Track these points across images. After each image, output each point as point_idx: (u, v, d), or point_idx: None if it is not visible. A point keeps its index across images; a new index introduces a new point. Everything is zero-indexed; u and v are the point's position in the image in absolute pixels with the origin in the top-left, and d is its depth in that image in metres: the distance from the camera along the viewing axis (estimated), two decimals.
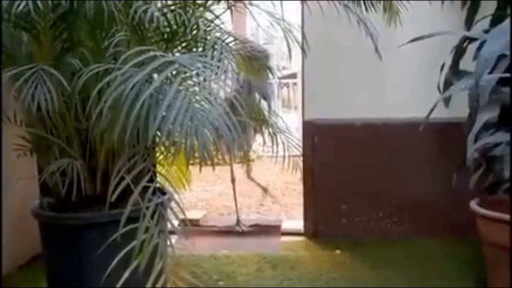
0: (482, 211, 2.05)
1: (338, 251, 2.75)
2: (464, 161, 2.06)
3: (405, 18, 2.37)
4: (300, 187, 3.09)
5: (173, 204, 1.58)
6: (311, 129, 3.02)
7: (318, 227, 3.05)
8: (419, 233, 2.92)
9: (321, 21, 2.51)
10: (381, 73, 2.83)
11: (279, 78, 7.70)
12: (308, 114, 3.04)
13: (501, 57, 2.04)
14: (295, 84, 7.32)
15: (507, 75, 2.06)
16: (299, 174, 3.04)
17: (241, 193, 4.81)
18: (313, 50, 2.85)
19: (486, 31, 2.35)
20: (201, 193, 4.64)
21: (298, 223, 3.15)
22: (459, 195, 2.20)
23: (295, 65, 5.91)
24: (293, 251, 2.85)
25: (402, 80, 2.89)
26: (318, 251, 2.86)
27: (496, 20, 2.41)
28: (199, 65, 1.47)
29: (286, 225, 3.31)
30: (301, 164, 2.98)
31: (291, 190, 4.45)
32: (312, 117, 3.01)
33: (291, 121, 5.22)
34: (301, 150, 2.99)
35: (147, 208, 1.42)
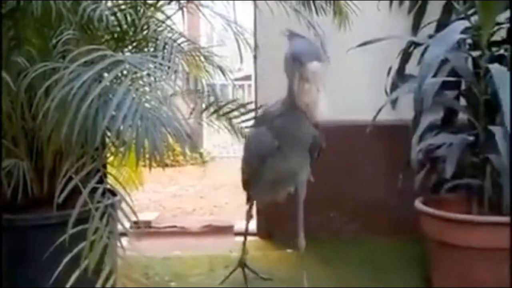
0: (426, 209, 2.13)
1: (290, 250, 2.80)
2: (409, 161, 2.14)
3: (355, 23, 2.45)
4: None
5: (125, 205, 1.57)
6: None
7: (271, 227, 3.08)
8: (369, 232, 3.00)
9: (273, 24, 2.55)
10: (331, 76, 2.88)
11: (234, 80, 7.74)
12: None
13: (444, 61, 2.13)
14: (250, 86, 7.37)
15: (450, 78, 2.15)
16: None
17: (195, 193, 4.83)
18: (266, 52, 2.90)
19: (431, 36, 2.45)
20: (153, 194, 4.60)
21: (251, 224, 3.17)
22: (405, 195, 2.27)
23: (251, 67, 5.96)
24: None
25: (351, 83, 2.96)
26: (271, 251, 2.89)
27: (441, 25, 2.51)
28: (150, 65, 1.47)
29: (239, 225, 3.32)
30: None
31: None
32: None
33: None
34: None
35: (96, 209, 1.41)
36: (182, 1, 1.99)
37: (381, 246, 2.87)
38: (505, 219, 1.89)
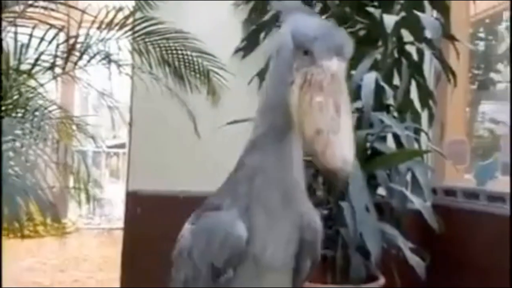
0: None
1: None
2: None
3: (229, 103, 2.63)
4: (119, 261, 3.03)
5: None
6: (134, 200, 3.03)
7: None
8: None
9: (150, 97, 2.64)
10: (204, 148, 3.01)
11: (109, 147, 7.60)
12: (132, 185, 3.06)
13: None
14: (124, 153, 7.27)
15: (308, 158, 2.38)
16: (119, 247, 3.00)
17: (54, 267, 4.51)
18: (141, 122, 2.95)
19: None
20: (8, 267, 4.22)
21: None
22: None
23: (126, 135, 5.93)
24: None
25: (223, 156, 3.09)
26: None
27: None
28: (17, 131, 1.45)
29: None
30: (122, 236, 2.95)
31: (109, 265, 4.33)
32: (137, 187, 3.04)
33: (119, 192, 5.13)
34: (123, 222, 2.97)
35: None
36: (56, 71, 2.01)
37: None
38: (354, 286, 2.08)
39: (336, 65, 0.95)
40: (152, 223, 2.97)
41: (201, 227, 1.18)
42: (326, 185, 2.42)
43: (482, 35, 4.94)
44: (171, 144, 3.04)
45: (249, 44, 2.87)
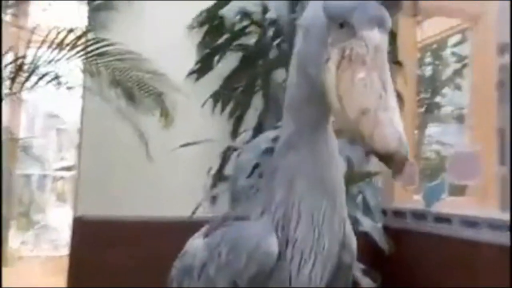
0: None
1: None
2: None
3: (182, 126, 2.61)
4: None
5: None
6: (81, 226, 2.93)
7: None
8: None
9: (101, 118, 2.58)
10: (156, 171, 2.96)
11: (56, 170, 7.36)
12: (79, 209, 2.96)
13: (256, 165, 2.36)
14: (72, 177, 7.05)
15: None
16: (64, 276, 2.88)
17: None
18: (90, 144, 2.88)
19: (247, 142, 2.70)
20: None
21: None
22: None
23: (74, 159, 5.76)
24: None
25: (175, 180, 3.06)
26: None
27: (256, 133, 2.79)
28: None
29: None
30: (67, 264, 2.84)
31: None
32: (84, 212, 2.94)
33: (66, 216, 4.95)
34: (69, 248, 2.85)
35: None
36: (3, 92, 1.94)
37: None
38: None
39: (379, 37, 0.83)
40: (100, 250, 2.87)
41: (221, 238, 1.01)
42: None
43: (429, 59, 5.18)
44: (121, 167, 2.98)
45: (203, 66, 2.89)
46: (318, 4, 0.90)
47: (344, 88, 0.82)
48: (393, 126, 0.77)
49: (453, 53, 4.97)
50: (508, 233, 2.27)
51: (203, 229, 1.15)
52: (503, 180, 2.88)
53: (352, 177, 2.31)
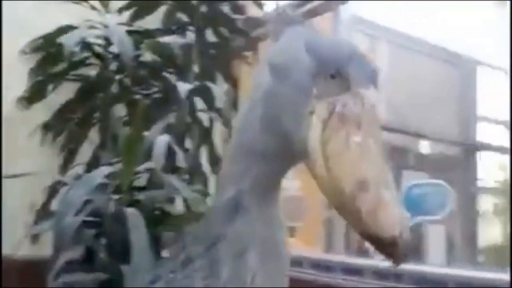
0: None
1: None
2: None
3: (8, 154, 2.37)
4: None
5: None
6: None
7: None
8: None
9: None
10: None
11: None
12: None
13: (87, 201, 2.23)
14: None
15: (91, 218, 2.25)
16: None
17: None
18: None
19: (78, 177, 2.55)
20: None
21: None
22: None
23: None
24: None
25: None
26: None
27: (90, 168, 2.66)
28: None
29: None
30: None
31: None
32: None
33: None
34: None
35: None
36: None
37: None
38: None
39: (375, 96, 0.72)
40: None
41: None
42: (108, 247, 2.31)
43: None
44: None
45: (34, 94, 2.70)
46: (296, 43, 0.76)
47: (333, 151, 0.70)
48: (397, 208, 0.67)
49: None
50: None
51: None
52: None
53: (188, 217, 2.32)
